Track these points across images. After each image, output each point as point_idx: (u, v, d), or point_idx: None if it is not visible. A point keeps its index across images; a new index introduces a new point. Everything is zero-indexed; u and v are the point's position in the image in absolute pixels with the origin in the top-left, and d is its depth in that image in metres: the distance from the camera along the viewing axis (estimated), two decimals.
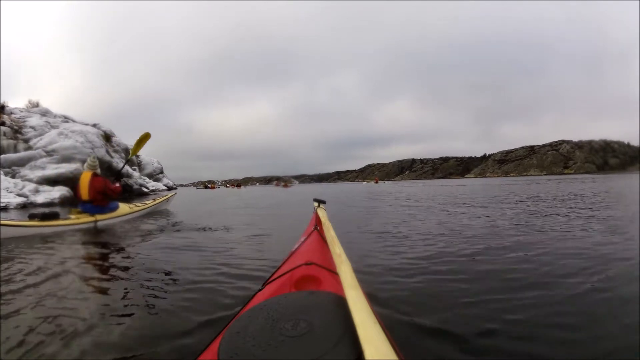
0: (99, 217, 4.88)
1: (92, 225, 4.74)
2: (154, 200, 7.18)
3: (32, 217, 4.33)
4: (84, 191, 4.86)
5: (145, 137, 6.04)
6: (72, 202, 10.86)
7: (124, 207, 5.59)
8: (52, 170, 12.53)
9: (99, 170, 5.10)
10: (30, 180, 11.77)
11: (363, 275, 2.06)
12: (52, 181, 12.06)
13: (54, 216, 4.45)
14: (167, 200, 7.67)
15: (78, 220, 4.65)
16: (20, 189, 10.76)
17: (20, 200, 10.01)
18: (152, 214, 6.64)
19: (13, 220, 4.34)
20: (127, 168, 18.03)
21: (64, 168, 12.68)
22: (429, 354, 1.24)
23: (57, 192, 11.33)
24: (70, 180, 12.33)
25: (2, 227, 3.87)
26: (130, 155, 6.74)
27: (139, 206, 6.19)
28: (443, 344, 1.31)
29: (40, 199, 10.67)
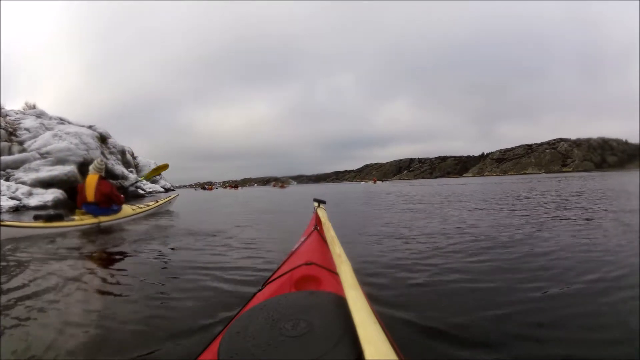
0: (102, 218, 4.91)
1: (95, 226, 4.79)
2: (157, 201, 7.22)
3: (37, 218, 4.40)
4: (90, 193, 4.87)
5: (163, 167, 6.21)
6: (64, 205, 10.72)
7: (127, 209, 5.63)
8: (46, 172, 12.34)
9: (103, 173, 5.15)
10: (24, 183, 11.59)
11: (363, 276, 2.01)
12: (46, 184, 11.88)
13: (59, 217, 4.51)
14: (169, 201, 7.71)
15: (82, 221, 4.68)
16: (13, 192, 10.59)
17: (12, 203, 9.84)
18: (155, 215, 6.65)
19: (19, 221, 4.44)
20: (123, 170, 17.87)
21: (58, 170, 12.51)
22: (429, 354, 1.22)
23: (51, 195, 11.15)
24: (64, 183, 12.16)
25: (10, 227, 3.96)
26: (143, 178, 6.89)
27: (142, 208, 6.22)
28: (443, 344, 1.28)
29: (33, 201, 10.50)
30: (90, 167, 5.11)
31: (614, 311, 1.54)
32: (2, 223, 3.93)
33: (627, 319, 1.44)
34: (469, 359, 1.20)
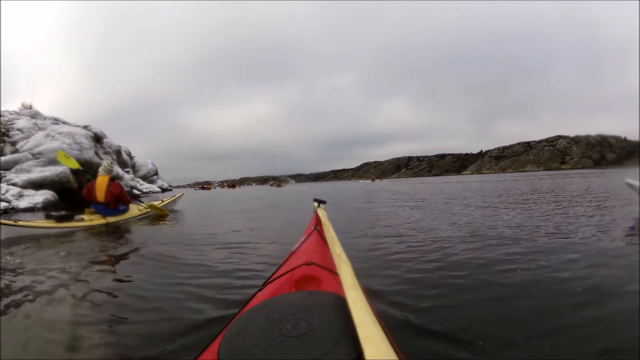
0: (110, 219, 5.09)
1: (103, 226, 4.94)
2: (162, 201, 7.42)
3: (48, 217, 4.59)
4: (100, 193, 5.05)
5: (165, 214, 6.57)
6: (55, 207, 10.47)
7: (133, 209, 5.84)
8: (38, 173, 12.10)
9: (113, 175, 5.34)
10: (15, 185, 11.34)
11: (363, 276, 1.92)
12: (37, 185, 11.63)
13: (68, 217, 4.70)
14: (174, 201, 7.97)
15: (91, 222, 4.85)
16: (4, 194, 10.34)
17: (1, 205, 9.60)
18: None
19: (30, 220, 4.61)
20: (119, 170, 17.63)
21: (50, 171, 12.25)
22: (429, 354, 1.22)
23: (41, 197, 10.88)
24: (55, 184, 11.92)
25: (21, 227, 4.11)
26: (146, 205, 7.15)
27: (148, 208, 6.41)
28: (444, 344, 1.27)
29: (23, 203, 10.25)
30: (100, 169, 5.28)
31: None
32: (16, 223, 4.06)
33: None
34: (469, 359, 1.18)
